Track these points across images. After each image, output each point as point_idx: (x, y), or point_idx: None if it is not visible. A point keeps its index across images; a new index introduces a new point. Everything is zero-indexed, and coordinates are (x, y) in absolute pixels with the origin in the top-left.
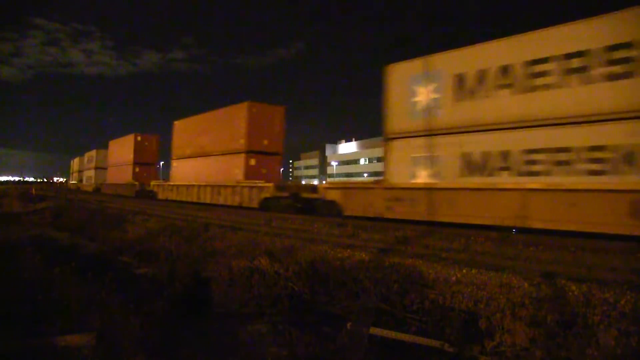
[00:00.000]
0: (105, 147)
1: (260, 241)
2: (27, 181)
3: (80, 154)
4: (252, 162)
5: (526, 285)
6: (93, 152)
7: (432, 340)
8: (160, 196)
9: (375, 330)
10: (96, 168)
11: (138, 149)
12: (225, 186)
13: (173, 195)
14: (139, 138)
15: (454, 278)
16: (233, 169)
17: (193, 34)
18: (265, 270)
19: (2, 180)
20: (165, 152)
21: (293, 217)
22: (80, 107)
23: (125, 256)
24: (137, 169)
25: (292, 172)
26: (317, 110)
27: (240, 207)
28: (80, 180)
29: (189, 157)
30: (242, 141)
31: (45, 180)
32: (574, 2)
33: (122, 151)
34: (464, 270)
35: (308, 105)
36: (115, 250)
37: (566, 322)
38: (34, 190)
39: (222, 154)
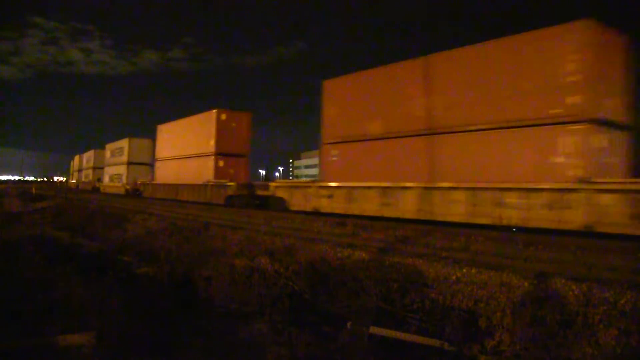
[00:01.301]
0: (138, 138)
1: (260, 240)
2: (27, 180)
3: (95, 151)
4: (603, 141)
5: (526, 284)
6: (123, 142)
7: (432, 340)
8: (297, 205)
9: (375, 330)
10: (129, 163)
11: (223, 132)
12: (569, 191)
13: (337, 206)
14: (223, 116)
15: (454, 277)
16: (549, 155)
17: (192, 33)
18: (266, 269)
19: (2, 179)
20: None
21: (292, 216)
22: (79, 106)
23: (126, 255)
24: (220, 163)
25: (292, 171)
26: (317, 110)
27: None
28: (99, 180)
29: (385, 137)
30: (576, 99)
31: (45, 179)
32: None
33: (190, 137)
34: (464, 270)
35: (308, 104)
36: (115, 249)
37: (566, 322)
38: (34, 189)
39: (517, 127)
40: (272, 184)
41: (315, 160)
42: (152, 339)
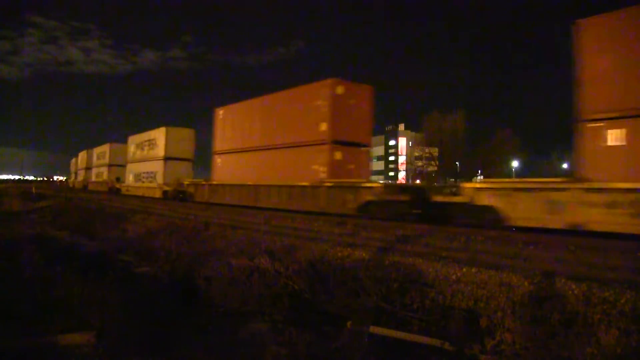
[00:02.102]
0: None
1: (260, 240)
2: (27, 180)
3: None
4: None
5: (526, 284)
6: (157, 133)
7: (432, 339)
8: (525, 219)
9: (375, 329)
10: (167, 159)
11: (339, 112)
12: None
13: (627, 221)
14: (340, 89)
15: (454, 277)
16: None
17: (192, 32)
18: (266, 269)
19: (2, 179)
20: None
21: (292, 216)
22: (79, 106)
23: (126, 255)
24: (337, 155)
25: None
26: None
27: None
28: (118, 179)
29: None
30: None
31: (45, 179)
32: None
33: (281, 121)
34: (464, 269)
35: None
36: (115, 249)
37: (566, 321)
38: (34, 189)
39: None
40: (469, 185)
41: None
42: (152, 338)
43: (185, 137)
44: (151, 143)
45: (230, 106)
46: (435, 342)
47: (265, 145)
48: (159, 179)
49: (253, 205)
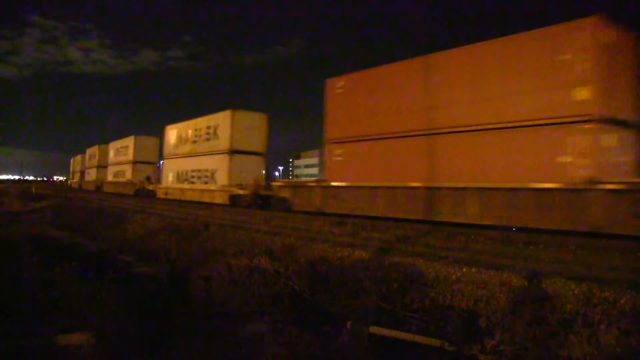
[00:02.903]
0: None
1: (260, 240)
2: (26, 180)
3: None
4: (612, 140)
5: (526, 284)
6: (216, 119)
7: (432, 339)
8: None
9: (375, 329)
10: (232, 152)
11: (608, 70)
12: None
13: None
14: (608, 35)
15: (454, 277)
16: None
17: (191, 32)
18: (265, 269)
19: (2, 179)
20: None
21: (292, 216)
22: (79, 106)
23: (125, 255)
24: (608, 140)
25: (292, 171)
26: (317, 109)
27: None
28: (149, 179)
29: None
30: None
31: (45, 179)
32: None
33: (472, 84)
34: (464, 269)
35: (308, 103)
36: (115, 249)
37: (566, 321)
38: (34, 189)
39: None
40: None
41: (314, 160)
42: (151, 339)
43: (256, 123)
44: (207, 132)
45: (357, 74)
46: (435, 342)
47: (442, 128)
48: (222, 179)
49: (422, 218)
